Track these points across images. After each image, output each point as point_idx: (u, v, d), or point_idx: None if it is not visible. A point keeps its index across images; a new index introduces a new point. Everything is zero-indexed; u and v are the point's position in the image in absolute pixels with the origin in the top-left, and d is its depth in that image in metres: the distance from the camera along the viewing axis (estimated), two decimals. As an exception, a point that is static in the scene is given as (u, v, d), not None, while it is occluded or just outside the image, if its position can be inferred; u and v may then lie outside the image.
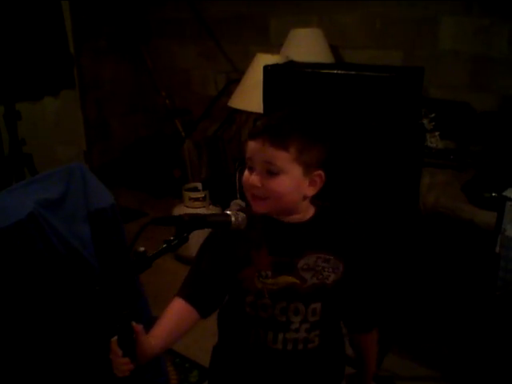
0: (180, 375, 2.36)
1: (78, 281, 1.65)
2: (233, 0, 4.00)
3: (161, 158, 4.34)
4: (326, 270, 1.20)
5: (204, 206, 3.33)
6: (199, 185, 3.49)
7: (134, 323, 1.07)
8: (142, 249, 1.03)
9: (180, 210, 3.34)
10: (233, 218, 1.13)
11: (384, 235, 2.10)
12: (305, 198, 1.21)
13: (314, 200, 1.26)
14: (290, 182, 1.16)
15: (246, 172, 1.20)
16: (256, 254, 1.21)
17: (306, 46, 3.19)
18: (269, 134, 1.15)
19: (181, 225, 1.08)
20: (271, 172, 1.15)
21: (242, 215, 1.14)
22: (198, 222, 1.10)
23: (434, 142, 2.85)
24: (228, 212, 1.14)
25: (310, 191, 1.21)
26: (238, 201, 3.41)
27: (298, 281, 1.19)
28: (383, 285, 1.30)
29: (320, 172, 1.20)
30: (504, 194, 2.01)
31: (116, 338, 1.07)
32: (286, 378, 1.26)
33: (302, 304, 1.21)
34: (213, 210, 3.35)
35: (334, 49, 3.35)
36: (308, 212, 1.25)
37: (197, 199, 3.34)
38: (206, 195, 3.37)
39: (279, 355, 1.23)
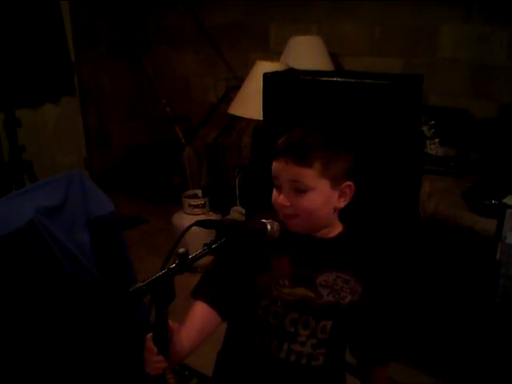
0: (179, 383, 2.34)
1: (77, 287, 1.65)
2: (233, 8, 4.02)
3: (161, 164, 4.34)
4: (344, 290, 1.19)
5: (204, 213, 3.33)
6: (199, 192, 3.49)
7: (170, 322, 1.08)
8: (183, 250, 1.04)
9: (179, 217, 3.34)
10: (269, 227, 1.13)
11: (384, 242, 2.10)
12: (335, 210, 1.21)
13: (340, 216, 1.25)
14: (319, 198, 1.15)
15: (275, 191, 1.19)
16: (277, 261, 1.21)
17: (305, 53, 3.20)
18: (290, 152, 1.14)
19: (221, 229, 1.09)
20: (299, 190, 1.15)
21: (276, 224, 1.15)
22: (237, 227, 1.12)
23: (433, 148, 2.85)
24: (264, 220, 1.15)
25: (341, 203, 1.20)
26: (238, 208, 3.42)
27: (313, 295, 1.19)
28: (400, 316, 1.28)
29: (349, 182, 1.18)
30: (504, 201, 2.01)
31: (151, 334, 1.07)
32: None
33: (312, 319, 1.20)
34: (213, 216, 3.35)
35: (333, 56, 3.36)
36: (335, 227, 1.24)
37: (196, 206, 3.33)
38: (205, 202, 3.37)
39: (281, 365, 1.22)
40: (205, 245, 1.07)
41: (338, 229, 1.25)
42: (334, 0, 3.50)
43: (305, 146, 1.14)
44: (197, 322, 1.21)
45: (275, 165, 1.17)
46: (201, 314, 1.22)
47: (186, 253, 1.03)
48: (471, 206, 2.46)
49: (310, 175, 1.14)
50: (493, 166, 2.75)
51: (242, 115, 3.09)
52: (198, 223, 1.08)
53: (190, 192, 3.53)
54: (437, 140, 2.86)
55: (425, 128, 2.85)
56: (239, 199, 3.43)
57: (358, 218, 2.07)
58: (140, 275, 1.73)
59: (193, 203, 3.34)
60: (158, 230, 3.81)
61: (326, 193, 1.16)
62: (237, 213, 3.37)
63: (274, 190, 1.20)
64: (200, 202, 3.36)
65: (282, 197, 1.17)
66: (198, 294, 1.24)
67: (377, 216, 2.13)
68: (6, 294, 1.52)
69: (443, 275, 2.43)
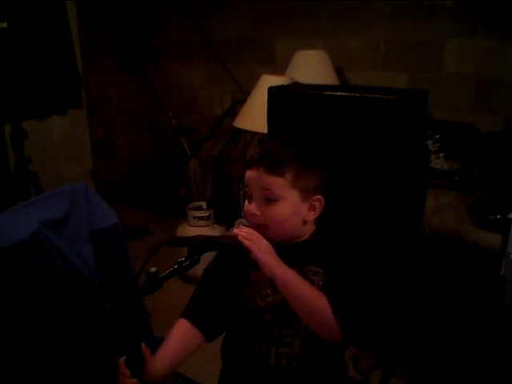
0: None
1: (81, 300, 1.65)
2: (239, 22, 4.05)
3: (166, 176, 4.36)
4: (316, 282, 1.19)
5: (208, 225, 3.33)
6: (203, 204, 3.50)
7: (143, 345, 1.07)
8: (154, 269, 1.04)
9: (184, 229, 3.34)
10: None
11: (388, 257, 2.09)
12: (305, 222, 1.23)
13: (318, 220, 1.26)
14: (288, 208, 1.18)
15: (246, 201, 1.22)
16: (255, 274, 1.23)
17: (310, 67, 3.21)
18: (263, 161, 1.17)
19: (193, 246, 1.09)
20: (269, 199, 1.17)
21: None
22: (209, 244, 1.13)
23: (438, 163, 2.85)
24: None
25: (310, 216, 1.22)
26: (242, 220, 3.40)
27: None
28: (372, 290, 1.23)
29: (319, 197, 1.22)
30: (509, 216, 2.00)
31: (124, 358, 1.07)
32: None
33: (293, 318, 1.20)
34: (217, 229, 3.35)
35: (338, 71, 3.37)
36: (307, 233, 1.26)
37: (201, 218, 3.34)
38: (210, 214, 3.37)
39: (274, 371, 1.22)
40: (176, 263, 1.08)
41: (309, 233, 1.26)
42: (340, 15, 3.52)
43: (278, 156, 1.17)
44: (177, 342, 1.21)
45: (248, 174, 1.20)
46: (183, 334, 1.23)
47: (156, 272, 1.03)
48: (476, 220, 2.45)
49: (280, 184, 1.16)
50: (498, 181, 2.74)
51: (247, 128, 3.10)
52: (169, 242, 1.09)
53: (195, 204, 3.54)
54: (442, 154, 2.85)
55: (429, 142, 2.84)
56: (243, 211, 3.42)
57: (362, 231, 2.07)
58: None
59: (197, 215, 3.35)
60: (162, 242, 3.80)
61: (296, 204, 1.19)
62: (241, 225, 3.37)
63: (246, 200, 1.22)
64: (204, 214, 3.36)
65: (252, 205, 1.19)
66: (182, 313, 1.26)
67: (381, 230, 2.12)
68: (8, 304, 1.52)
69: (447, 290, 2.41)
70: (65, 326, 1.61)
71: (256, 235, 1.14)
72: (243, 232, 1.14)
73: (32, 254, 1.50)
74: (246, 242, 1.12)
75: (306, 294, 1.13)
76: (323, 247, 1.23)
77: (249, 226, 1.21)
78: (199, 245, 1.10)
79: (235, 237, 1.14)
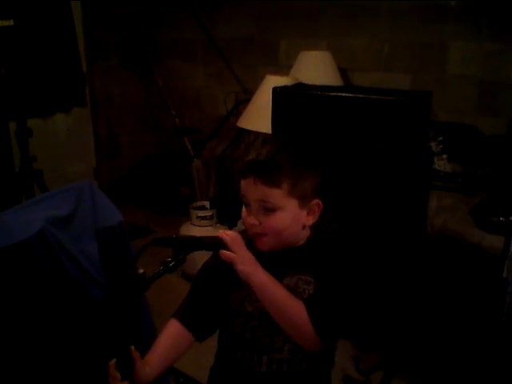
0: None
1: (86, 299, 1.66)
2: (243, 22, 4.06)
3: (169, 175, 4.36)
4: (307, 291, 1.17)
5: (211, 225, 3.34)
6: (207, 203, 3.51)
7: (132, 348, 1.07)
8: (141, 271, 1.04)
9: (187, 229, 3.35)
10: None
11: (391, 258, 2.10)
12: (304, 227, 1.21)
13: (317, 224, 1.24)
14: (287, 217, 1.16)
15: (244, 209, 1.19)
16: None
17: (315, 68, 3.22)
18: (258, 172, 1.13)
19: (178, 246, 1.09)
20: (267, 209, 1.15)
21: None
22: (194, 243, 1.12)
23: (441, 165, 2.85)
24: None
25: (309, 220, 1.20)
26: (245, 220, 3.42)
27: None
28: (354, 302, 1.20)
29: (317, 200, 1.19)
30: None
31: (114, 361, 1.07)
32: None
33: None
34: (220, 228, 3.35)
35: (342, 71, 3.39)
36: (303, 238, 1.24)
37: (204, 218, 3.34)
38: (213, 214, 3.38)
39: (265, 378, 1.21)
40: (162, 263, 1.08)
41: (305, 238, 1.24)
42: (344, 16, 3.53)
43: (273, 166, 1.13)
44: (167, 343, 1.21)
45: (243, 183, 1.17)
46: (173, 334, 1.23)
47: (143, 274, 1.03)
48: (479, 222, 2.45)
49: (278, 194, 1.13)
50: (501, 183, 2.75)
51: (250, 128, 3.10)
52: (155, 242, 1.08)
53: (198, 203, 3.54)
54: (445, 156, 2.86)
55: (433, 144, 2.85)
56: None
57: (365, 232, 2.08)
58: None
59: (200, 215, 3.35)
60: (164, 241, 3.81)
61: (294, 212, 1.16)
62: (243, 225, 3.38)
63: (243, 207, 1.19)
64: (207, 213, 3.37)
65: (251, 216, 1.16)
66: (174, 313, 1.25)
67: (384, 231, 2.13)
68: (13, 301, 1.53)
69: (449, 291, 2.42)
70: (68, 324, 1.61)
71: (237, 242, 1.11)
72: (226, 236, 1.12)
73: (38, 251, 1.51)
74: (225, 253, 1.10)
75: (284, 304, 1.11)
76: (315, 255, 1.21)
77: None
78: (184, 245, 1.10)
79: (219, 238, 1.12)
